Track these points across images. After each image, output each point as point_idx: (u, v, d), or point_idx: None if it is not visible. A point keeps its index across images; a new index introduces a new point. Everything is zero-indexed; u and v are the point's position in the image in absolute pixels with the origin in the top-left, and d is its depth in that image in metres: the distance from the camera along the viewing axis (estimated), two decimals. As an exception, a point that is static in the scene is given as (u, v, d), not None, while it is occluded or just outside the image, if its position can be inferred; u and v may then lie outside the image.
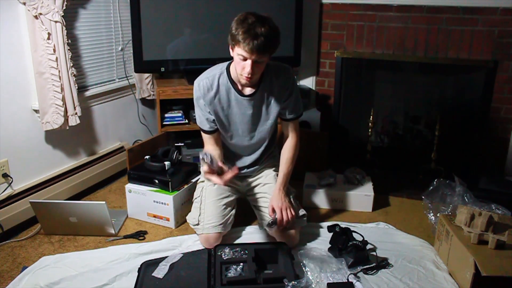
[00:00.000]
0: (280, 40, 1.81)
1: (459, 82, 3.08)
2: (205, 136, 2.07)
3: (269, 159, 2.23)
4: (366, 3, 2.97)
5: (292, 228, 2.05)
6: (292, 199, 2.12)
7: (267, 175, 2.20)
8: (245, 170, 2.18)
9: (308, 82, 3.28)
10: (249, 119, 2.02)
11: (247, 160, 2.17)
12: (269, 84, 1.97)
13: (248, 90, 1.96)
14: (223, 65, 1.98)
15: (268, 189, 2.15)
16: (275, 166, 2.23)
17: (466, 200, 2.26)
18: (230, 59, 1.92)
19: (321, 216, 2.45)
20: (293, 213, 1.98)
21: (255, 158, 2.17)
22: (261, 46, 1.70)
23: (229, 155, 2.16)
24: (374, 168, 3.00)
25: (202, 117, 2.01)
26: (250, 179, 2.22)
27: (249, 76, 1.81)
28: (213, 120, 2.00)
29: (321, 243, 2.14)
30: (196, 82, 1.97)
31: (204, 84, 1.94)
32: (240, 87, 1.95)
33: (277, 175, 2.17)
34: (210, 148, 2.06)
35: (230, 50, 1.83)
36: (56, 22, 2.27)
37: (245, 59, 1.77)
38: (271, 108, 2.01)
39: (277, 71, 1.98)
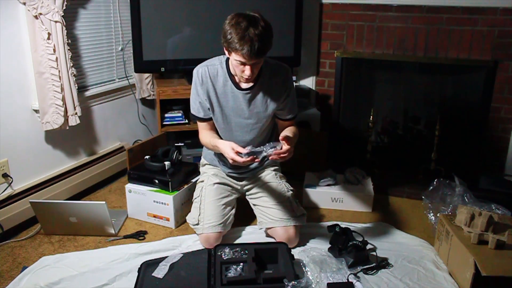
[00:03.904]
0: (273, 34, 1.80)
1: (459, 82, 3.07)
2: (200, 124, 2.07)
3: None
4: (366, 3, 2.97)
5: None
6: (291, 198, 2.12)
7: (267, 174, 2.20)
8: (244, 170, 2.16)
9: (308, 82, 3.28)
10: (243, 113, 2.00)
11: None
12: (268, 82, 1.97)
13: (245, 85, 1.96)
14: (222, 57, 1.98)
15: (268, 188, 2.14)
16: (275, 164, 2.23)
17: (466, 200, 2.26)
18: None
19: (321, 216, 2.45)
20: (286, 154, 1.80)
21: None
22: (258, 50, 1.71)
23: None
24: (374, 168, 2.99)
25: (198, 104, 2.00)
26: (250, 179, 2.21)
27: (249, 78, 1.83)
28: (208, 108, 2.00)
29: (321, 243, 2.14)
30: (195, 69, 1.99)
31: (203, 72, 1.96)
32: (237, 80, 1.95)
33: (276, 174, 2.17)
34: (207, 133, 2.05)
35: (226, 52, 1.83)
36: (56, 22, 2.27)
37: (243, 64, 1.78)
38: (268, 106, 2.00)
39: (276, 70, 1.98)
